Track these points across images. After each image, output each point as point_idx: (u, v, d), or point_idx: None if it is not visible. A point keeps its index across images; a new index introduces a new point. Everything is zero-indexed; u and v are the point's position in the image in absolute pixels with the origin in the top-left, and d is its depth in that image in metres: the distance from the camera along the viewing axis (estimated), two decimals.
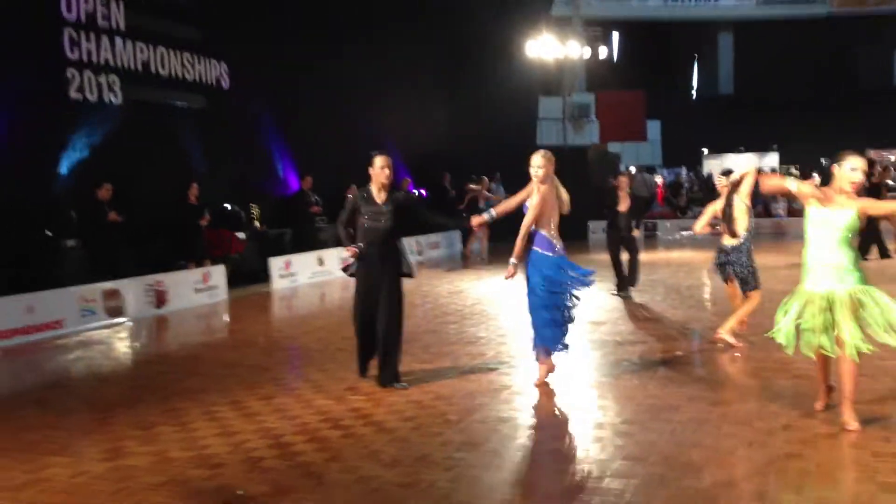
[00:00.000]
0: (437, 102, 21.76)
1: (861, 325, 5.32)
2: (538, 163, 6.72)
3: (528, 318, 6.98)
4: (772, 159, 29.84)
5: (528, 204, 6.78)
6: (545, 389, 6.88)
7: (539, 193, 6.70)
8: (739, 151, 30.14)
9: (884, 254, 15.59)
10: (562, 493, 4.61)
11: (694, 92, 35.12)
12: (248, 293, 13.63)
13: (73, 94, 12.28)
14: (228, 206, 14.96)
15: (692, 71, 35.17)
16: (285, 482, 4.90)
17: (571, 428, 5.93)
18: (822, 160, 27.90)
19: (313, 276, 15.03)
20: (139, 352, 9.88)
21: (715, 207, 8.54)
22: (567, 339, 6.93)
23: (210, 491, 4.80)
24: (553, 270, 6.78)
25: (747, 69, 32.36)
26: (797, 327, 5.57)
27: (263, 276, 14.33)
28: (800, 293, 5.59)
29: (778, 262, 15.77)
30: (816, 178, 25.37)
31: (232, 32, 15.11)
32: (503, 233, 16.66)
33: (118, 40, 13.03)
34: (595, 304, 11.37)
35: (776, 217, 23.07)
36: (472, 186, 18.06)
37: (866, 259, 13.98)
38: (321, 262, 15.33)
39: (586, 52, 25.89)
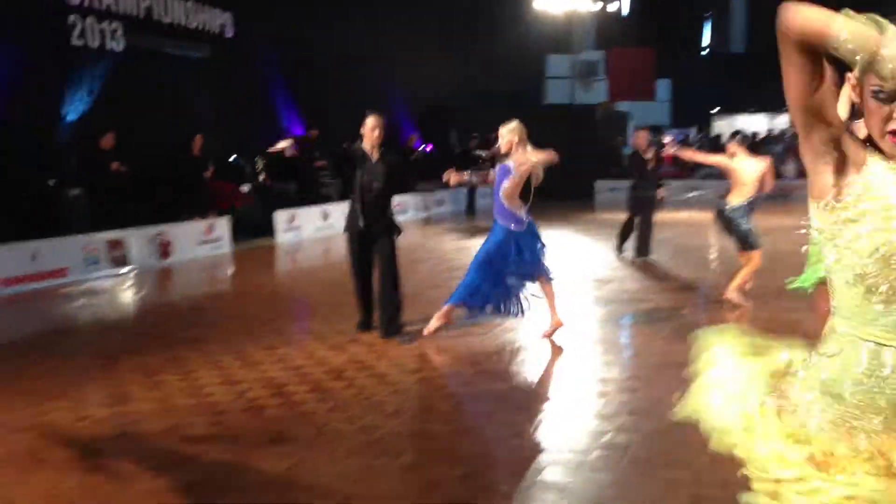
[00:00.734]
0: (445, 57, 21.48)
1: None
2: (501, 135, 6.67)
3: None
4: (784, 120, 29.48)
5: (511, 171, 6.65)
6: (552, 346, 6.84)
7: (518, 170, 6.60)
8: (751, 112, 29.77)
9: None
10: (566, 446, 4.58)
11: (705, 49, 34.62)
12: (252, 246, 13.57)
13: (75, 40, 12.10)
14: (232, 159, 14.84)
15: (704, 28, 34.65)
16: (287, 430, 4.88)
17: (576, 383, 5.89)
18: None
19: (318, 231, 14.96)
20: (143, 301, 9.86)
21: (726, 161, 8.26)
22: (488, 308, 6.89)
23: (211, 438, 4.78)
24: (501, 240, 6.71)
25: (761, 26, 31.82)
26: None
27: (268, 229, 14.26)
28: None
29: (784, 223, 15.68)
30: None
31: None
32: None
33: None
34: (601, 262, 11.32)
35: (784, 179, 22.86)
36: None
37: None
38: (326, 216, 15.24)
39: (596, 6, 25.49)
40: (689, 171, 24.68)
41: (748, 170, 8.02)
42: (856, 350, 1.92)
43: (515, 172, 6.58)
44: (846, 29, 1.71)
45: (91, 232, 10.93)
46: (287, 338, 7.27)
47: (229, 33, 15.15)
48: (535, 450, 4.56)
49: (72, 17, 12.04)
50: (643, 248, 11.20)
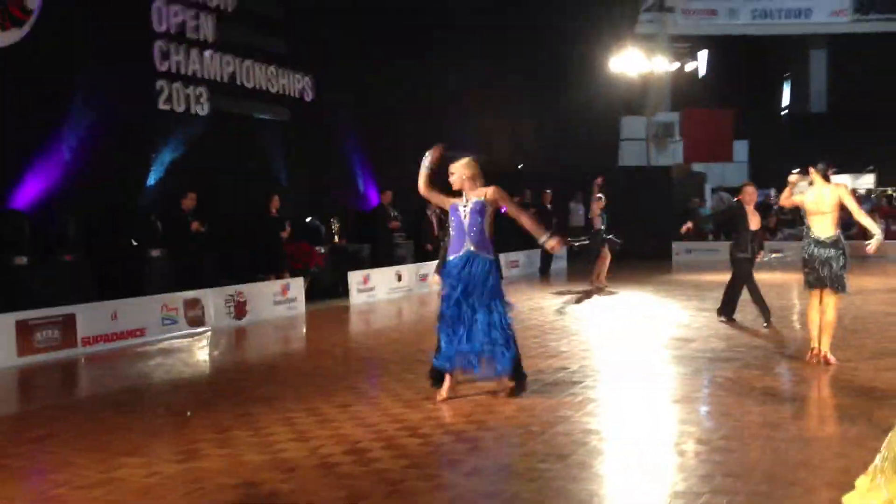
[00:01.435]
0: (521, 119, 21.53)
1: None
2: (453, 171, 6.70)
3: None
4: (867, 180, 28.56)
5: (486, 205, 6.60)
6: (637, 404, 6.50)
7: (493, 204, 6.62)
8: (833, 173, 28.89)
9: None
10: None
11: (785, 110, 33.96)
12: (326, 307, 13.55)
13: (162, 105, 12.46)
14: (309, 220, 14.97)
15: (783, 89, 34.06)
16: (361, 487, 4.67)
17: (666, 442, 5.54)
18: None
19: (391, 292, 14.88)
20: (217, 360, 9.85)
21: (803, 198, 7.78)
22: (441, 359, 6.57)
23: (284, 493, 4.60)
24: (488, 269, 6.57)
25: (841, 86, 31.11)
26: None
27: (342, 290, 14.24)
28: None
29: (877, 285, 15.01)
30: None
31: (317, 46, 15.18)
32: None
33: (206, 52, 13.20)
34: (680, 322, 10.91)
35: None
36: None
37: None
38: (399, 277, 15.17)
39: (673, 67, 25.30)
40: (769, 232, 23.98)
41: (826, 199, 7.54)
42: None
43: (489, 206, 6.58)
44: None
45: (169, 292, 11.05)
46: (360, 395, 7.09)
47: (309, 97, 15.44)
48: None
49: (160, 83, 12.42)
50: (728, 307, 10.66)
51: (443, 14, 17.72)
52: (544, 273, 18.77)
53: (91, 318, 9.91)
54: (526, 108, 21.55)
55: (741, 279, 10.38)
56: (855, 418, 5.79)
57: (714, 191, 27.31)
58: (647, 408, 6.44)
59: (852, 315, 10.77)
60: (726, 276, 10.84)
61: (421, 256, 15.98)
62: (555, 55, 21.43)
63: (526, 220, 6.81)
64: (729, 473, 4.73)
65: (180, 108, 12.79)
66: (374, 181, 16.72)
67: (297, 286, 13.09)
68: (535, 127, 21.89)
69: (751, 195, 10.35)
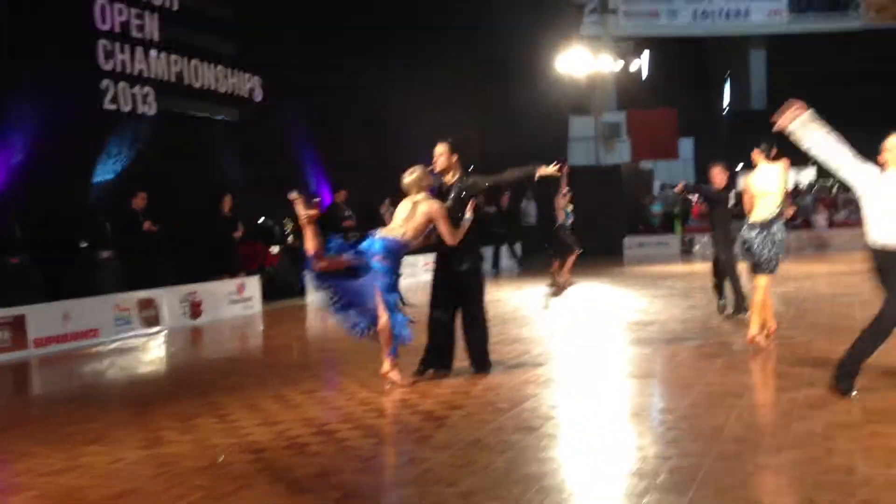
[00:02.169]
0: (469, 120, 21.59)
1: None
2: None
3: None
4: (808, 173, 29.32)
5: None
6: (601, 381, 6.58)
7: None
8: (776, 154, 29.55)
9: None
10: (632, 469, 4.28)
11: (727, 108, 34.69)
12: (282, 306, 13.42)
13: (108, 104, 12.22)
14: (261, 220, 14.82)
15: (724, 87, 34.80)
16: (332, 464, 4.63)
17: (634, 412, 5.61)
18: None
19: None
20: (176, 357, 9.68)
21: (748, 180, 7.66)
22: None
23: (254, 473, 4.54)
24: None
25: (780, 83, 31.91)
26: None
27: (298, 289, 14.11)
28: None
29: (824, 269, 15.42)
30: None
31: (266, 46, 15.03)
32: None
33: (152, 52, 12.99)
34: (637, 307, 11.05)
35: (817, 229, 22.55)
36: None
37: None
38: None
39: (618, 66, 25.65)
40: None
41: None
42: None
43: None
44: None
45: (122, 292, 10.85)
46: (325, 382, 7.07)
47: (258, 97, 15.29)
48: (599, 475, 4.28)
49: (105, 82, 12.18)
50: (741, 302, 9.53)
51: (390, 14, 17.72)
52: (496, 268, 18.85)
53: (42, 319, 9.67)
54: (474, 109, 21.64)
55: (732, 264, 9.59)
56: (814, 384, 5.92)
57: (662, 187, 27.77)
58: (611, 384, 6.51)
59: (804, 297, 11.05)
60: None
61: None
62: (501, 55, 21.58)
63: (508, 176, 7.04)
64: (696, 438, 4.80)
65: (126, 108, 12.54)
66: (327, 180, 16.63)
67: (253, 285, 12.95)
68: (483, 127, 21.98)
69: (718, 176, 9.68)
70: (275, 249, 14.52)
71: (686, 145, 29.71)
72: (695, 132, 29.83)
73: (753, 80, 33.77)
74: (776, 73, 32.69)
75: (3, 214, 10.64)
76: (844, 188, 26.47)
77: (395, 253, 6.43)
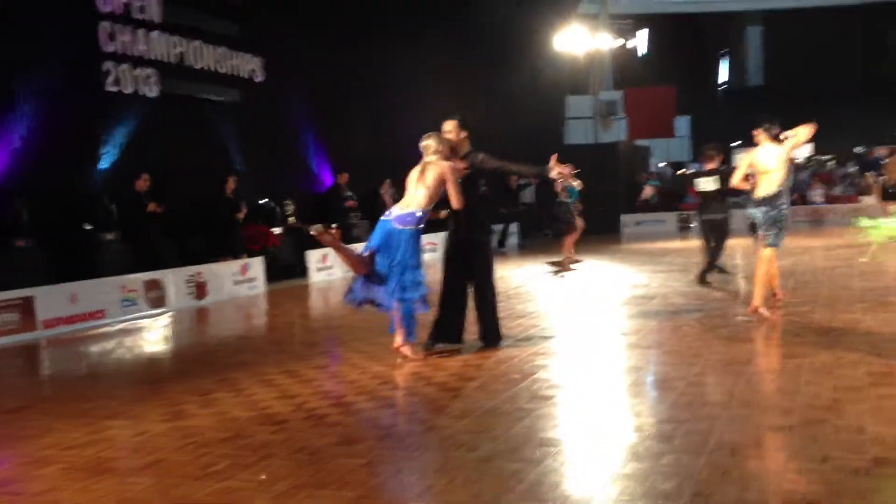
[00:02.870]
0: (468, 100, 21.60)
1: None
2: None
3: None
4: (805, 149, 29.37)
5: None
6: (611, 352, 6.69)
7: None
8: (777, 132, 29.60)
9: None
10: (649, 432, 4.39)
11: (723, 85, 34.70)
12: (286, 286, 13.51)
13: (110, 86, 12.24)
14: (264, 201, 14.87)
15: (721, 65, 34.81)
16: (353, 433, 4.74)
17: (645, 381, 5.72)
18: (856, 150, 27.43)
19: (350, 270, 14.85)
20: (185, 336, 9.76)
21: (751, 157, 7.80)
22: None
23: (277, 443, 4.64)
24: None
25: (777, 61, 31.98)
26: None
27: (300, 270, 14.21)
28: None
29: (821, 244, 15.53)
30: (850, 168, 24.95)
31: (267, 27, 15.05)
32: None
33: (153, 33, 12.99)
34: (639, 283, 11.15)
35: (813, 204, 22.67)
36: None
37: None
38: None
39: (615, 44, 25.63)
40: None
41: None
42: None
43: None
44: None
45: (128, 274, 10.92)
46: (336, 358, 7.17)
47: (259, 78, 15.31)
48: (616, 439, 4.39)
49: (106, 65, 12.20)
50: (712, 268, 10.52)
51: None
52: (501, 246, 18.95)
53: (50, 300, 9.75)
54: (473, 89, 21.63)
55: (724, 237, 10.44)
56: (819, 351, 6.04)
57: (659, 165, 27.84)
58: (620, 355, 6.62)
59: (802, 269, 11.17)
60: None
61: None
62: (499, 34, 21.56)
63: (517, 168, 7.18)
64: (708, 402, 4.93)
65: (129, 90, 12.59)
66: (328, 162, 16.67)
67: (257, 266, 13.03)
68: (483, 107, 21.98)
69: (714, 159, 10.48)
70: (277, 230, 14.58)
71: (683, 123, 29.74)
72: (692, 109, 29.87)
73: (750, 56, 33.77)
74: (772, 50, 32.72)
75: (9, 198, 10.69)
76: (840, 164, 26.62)
77: (416, 223, 6.53)
